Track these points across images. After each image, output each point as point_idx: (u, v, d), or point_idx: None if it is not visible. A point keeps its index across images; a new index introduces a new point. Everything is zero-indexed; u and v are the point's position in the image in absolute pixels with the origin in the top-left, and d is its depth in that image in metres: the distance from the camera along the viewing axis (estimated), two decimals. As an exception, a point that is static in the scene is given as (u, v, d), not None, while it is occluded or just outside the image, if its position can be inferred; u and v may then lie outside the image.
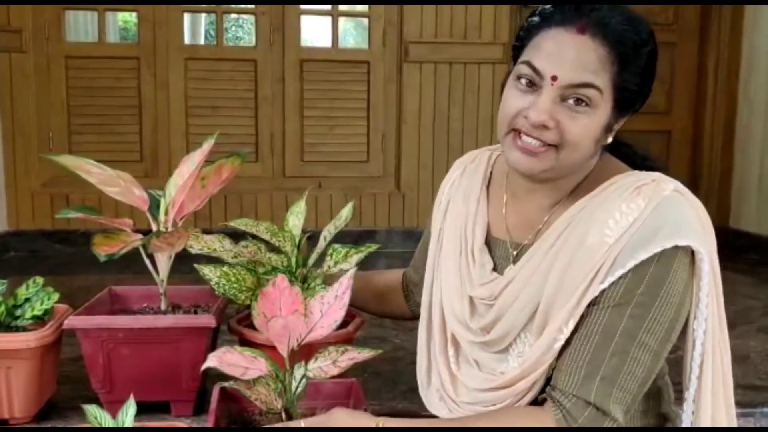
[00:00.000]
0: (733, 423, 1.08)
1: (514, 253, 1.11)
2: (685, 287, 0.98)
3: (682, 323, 1.01)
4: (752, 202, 3.70)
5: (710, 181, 3.97)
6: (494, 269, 1.13)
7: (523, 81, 1.00)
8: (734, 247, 3.69)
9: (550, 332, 1.00)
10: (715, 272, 1.02)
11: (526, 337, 1.06)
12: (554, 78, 0.97)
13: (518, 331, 1.06)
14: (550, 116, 0.97)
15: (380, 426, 1.01)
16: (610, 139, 1.05)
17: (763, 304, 2.60)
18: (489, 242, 1.16)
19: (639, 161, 1.11)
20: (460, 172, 1.25)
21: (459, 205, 1.20)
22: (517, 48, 1.05)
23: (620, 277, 0.96)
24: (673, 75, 4.11)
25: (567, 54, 0.97)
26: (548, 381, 1.04)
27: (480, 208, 1.17)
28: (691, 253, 0.99)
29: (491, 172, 1.21)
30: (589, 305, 0.99)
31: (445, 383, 1.16)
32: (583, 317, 0.99)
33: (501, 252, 1.14)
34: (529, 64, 0.99)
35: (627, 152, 1.13)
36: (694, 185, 4.03)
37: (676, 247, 0.96)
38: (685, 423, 1.05)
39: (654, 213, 0.96)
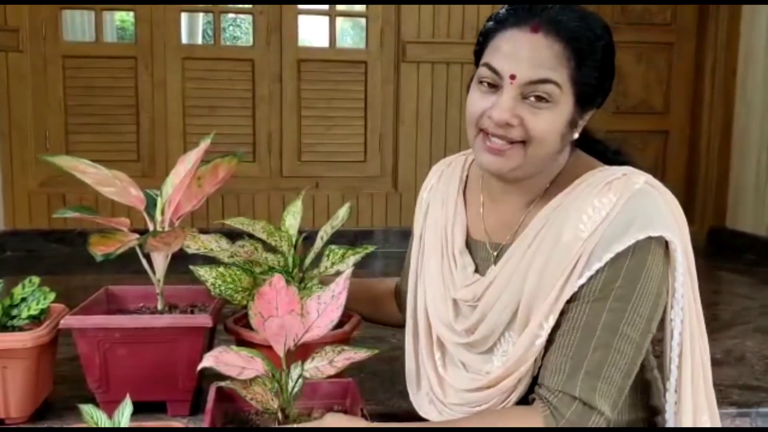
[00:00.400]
0: (714, 411, 1.10)
1: (494, 253, 1.13)
2: (661, 278, 1.00)
3: (660, 313, 1.02)
4: (749, 202, 3.70)
5: (707, 181, 3.98)
6: (476, 271, 1.15)
7: (485, 83, 1.03)
8: (731, 248, 3.70)
9: (531, 329, 1.01)
10: (690, 262, 1.04)
11: (510, 336, 1.07)
12: (512, 77, 1.00)
13: (501, 331, 1.07)
14: (513, 114, 1.00)
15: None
16: (576, 135, 1.07)
17: (759, 304, 2.60)
18: (469, 244, 1.17)
19: (611, 156, 1.13)
20: (437, 177, 1.27)
21: (438, 210, 1.22)
22: (477, 53, 1.09)
23: (597, 271, 0.98)
24: (670, 75, 4.12)
25: (523, 53, 1.00)
26: (535, 380, 1.05)
27: (458, 211, 1.19)
28: (665, 245, 1.01)
29: (467, 176, 1.23)
30: (569, 301, 1.00)
31: (434, 386, 1.17)
32: (563, 314, 1.01)
33: (481, 253, 1.16)
34: (488, 65, 1.03)
35: (599, 148, 1.15)
36: (691, 185, 4.04)
37: (650, 239, 0.98)
38: (669, 413, 1.07)
39: (626, 206, 0.98)
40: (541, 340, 1.01)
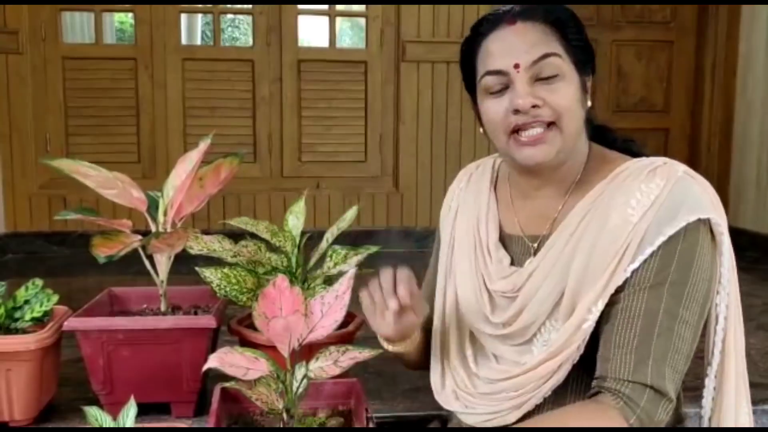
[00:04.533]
0: (748, 398, 1.11)
1: (534, 245, 1.12)
2: (711, 261, 1.01)
3: (712, 297, 1.03)
4: (750, 199, 3.71)
5: (708, 179, 3.89)
6: (512, 264, 1.14)
7: (494, 89, 1.06)
8: (733, 245, 3.70)
9: (579, 313, 1.00)
10: (731, 247, 1.05)
11: (552, 325, 1.06)
12: (516, 66, 1.03)
13: (543, 320, 1.06)
14: (534, 96, 1.02)
15: None
16: (589, 102, 1.10)
17: (762, 302, 2.60)
18: (503, 239, 1.17)
19: (621, 143, 1.16)
20: (467, 178, 1.28)
21: (470, 208, 1.22)
22: (467, 76, 1.13)
23: (651, 255, 0.98)
24: (670, 73, 4.12)
25: (514, 43, 1.04)
26: (574, 368, 1.03)
27: (491, 206, 1.20)
28: (710, 229, 1.02)
29: (497, 176, 1.24)
30: (619, 290, 0.99)
31: (461, 381, 1.16)
32: (614, 303, 1.00)
33: (518, 247, 1.15)
34: (489, 72, 1.06)
35: (609, 137, 1.17)
36: (692, 183, 4.04)
37: (699, 221, 0.99)
38: (707, 399, 1.07)
39: (674, 190, 1.00)
40: (589, 324, 1.00)
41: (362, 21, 3.93)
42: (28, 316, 1.40)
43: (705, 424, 1.08)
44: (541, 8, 1.05)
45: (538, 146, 1.04)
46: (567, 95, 1.03)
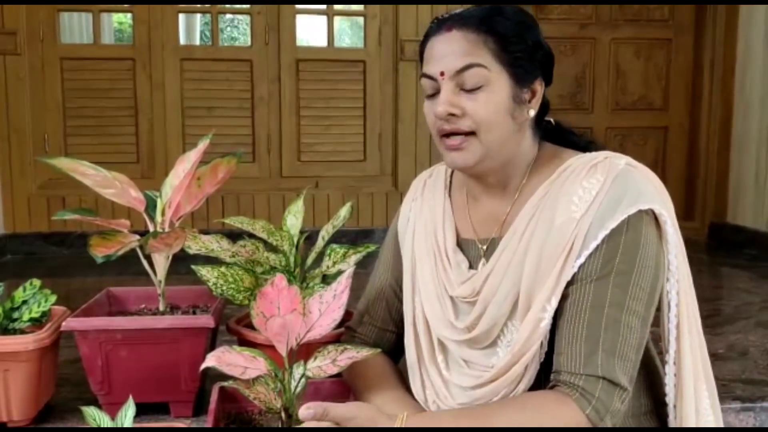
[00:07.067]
0: (711, 381, 1.12)
1: (484, 248, 1.15)
2: (657, 250, 1.03)
3: (661, 285, 1.05)
4: (749, 197, 3.70)
5: (708, 177, 3.97)
6: (470, 267, 1.16)
7: (429, 92, 1.11)
8: (732, 243, 3.70)
9: (534, 312, 1.03)
10: (678, 233, 1.07)
11: (513, 326, 1.08)
12: (442, 73, 1.07)
13: (504, 322, 1.08)
14: (452, 104, 1.06)
15: (403, 419, 0.99)
16: (532, 113, 1.11)
17: (761, 299, 2.60)
18: (460, 244, 1.19)
19: (583, 144, 1.17)
20: (422, 189, 1.30)
21: (426, 215, 1.24)
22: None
23: (595, 249, 1.00)
24: (668, 71, 4.12)
25: (443, 51, 1.08)
26: (542, 367, 1.05)
27: (446, 212, 1.22)
28: (654, 218, 1.04)
29: (451, 181, 1.27)
30: (570, 284, 1.02)
31: (440, 391, 1.17)
32: (566, 298, 1.02)
33: (473, 251, 1.17)
34: (423, 75, 1.11)
35: (572, 139, 1.19)
36: (691, 181, 4.04)
37: (640, 212, 1.01)
38: (669, 386, 1.09)
39: (614, 184, 1.02)
40: (546, 323, 1.02)
41: (361, 20, 3.93)
42: (26, 317, 1.40)
43: (671, 411, 1.10)
44: (476, 18, 1.07)
45: (457, 152, 1.09)
46: (486, 106, 1.05)
